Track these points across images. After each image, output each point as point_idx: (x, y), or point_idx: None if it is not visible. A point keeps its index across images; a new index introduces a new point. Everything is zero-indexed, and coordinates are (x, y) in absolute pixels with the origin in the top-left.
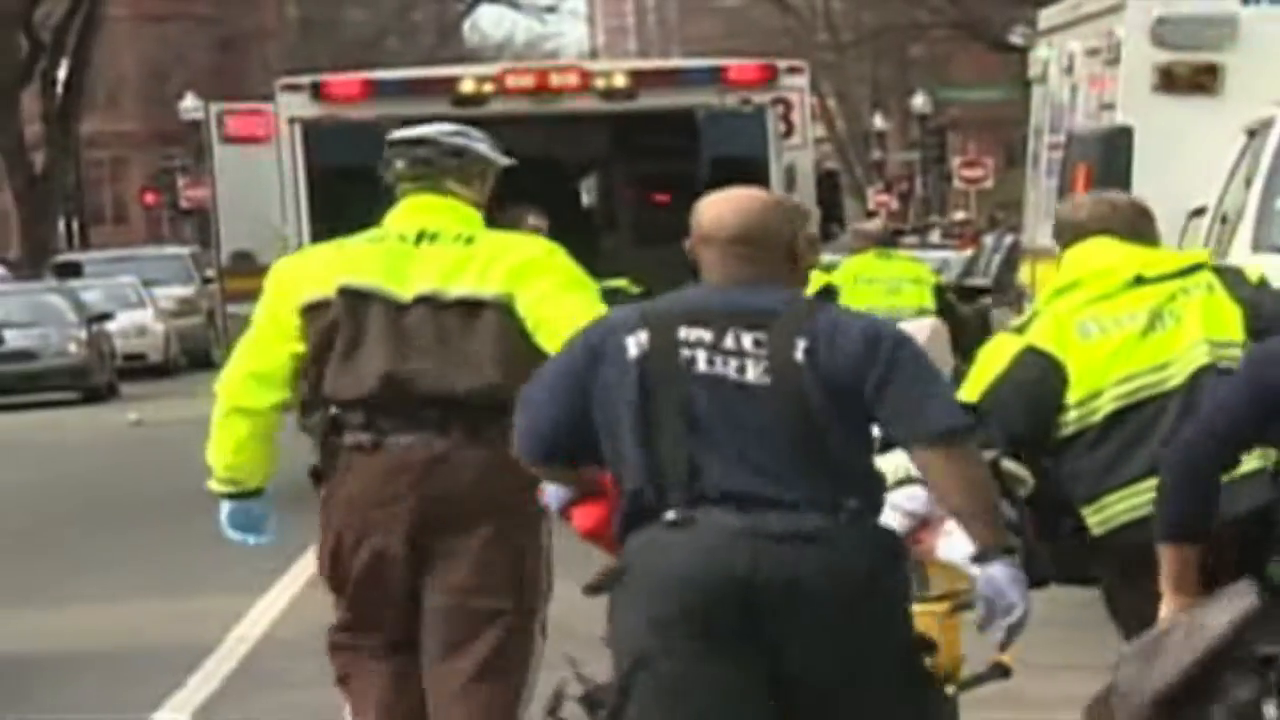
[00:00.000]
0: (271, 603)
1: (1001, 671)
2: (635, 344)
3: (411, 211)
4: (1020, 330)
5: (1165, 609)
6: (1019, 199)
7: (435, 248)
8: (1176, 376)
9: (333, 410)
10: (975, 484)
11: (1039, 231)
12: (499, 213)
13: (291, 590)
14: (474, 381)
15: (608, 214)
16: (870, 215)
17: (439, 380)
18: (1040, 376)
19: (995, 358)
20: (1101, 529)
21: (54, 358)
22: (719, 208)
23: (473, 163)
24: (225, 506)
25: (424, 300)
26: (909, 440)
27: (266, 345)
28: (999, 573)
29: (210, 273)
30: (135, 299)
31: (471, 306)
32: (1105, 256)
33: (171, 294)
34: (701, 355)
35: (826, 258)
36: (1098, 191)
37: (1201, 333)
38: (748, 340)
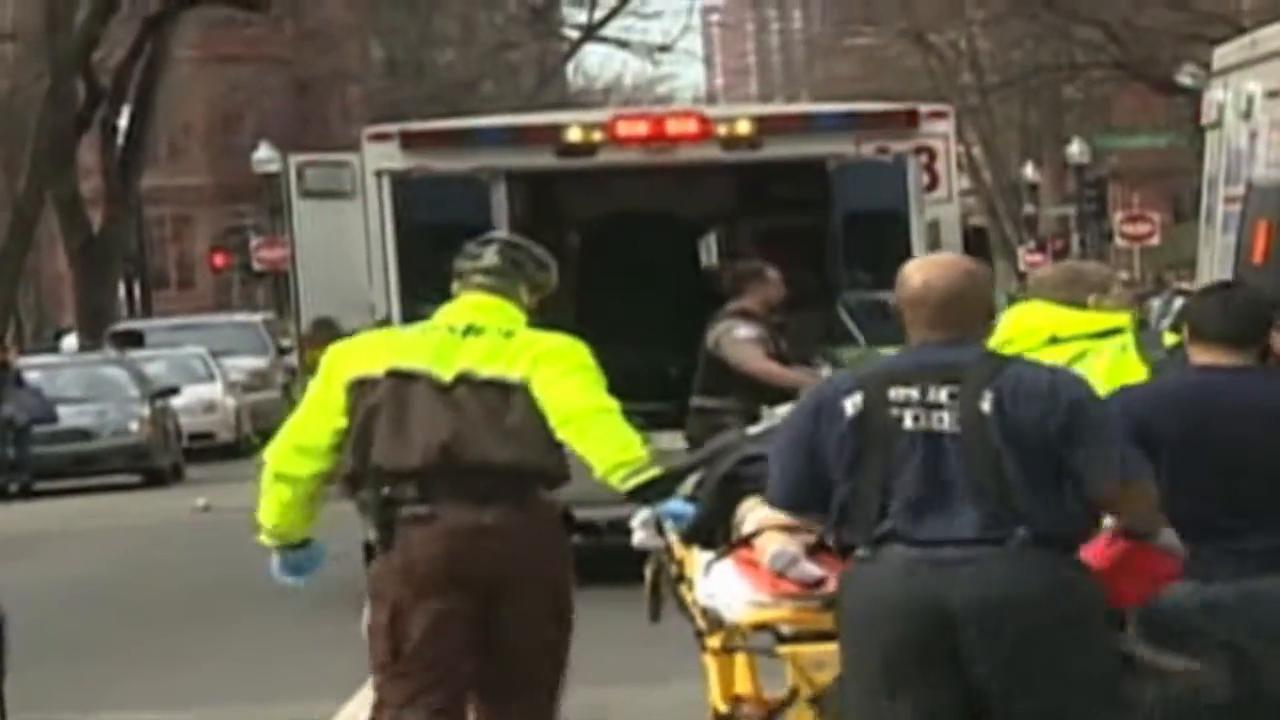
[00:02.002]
0: (359, 709)
1: None
2: (851, 405)
3: (464, 308)
4: None
5: None
6: (1190, 258)
7: (479, 339)
8: None
9: (385, 489)
10: (1141, 516)
11: None
12: (729, 268)
13: None
14: (514, 453)
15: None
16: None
17: (486, 450)
18: None
19: None
20: None
21: (112, 437)
22: (926, 273)
23: (549, 279)
24: (275, 557)
25: (462, 379)
26: (1090, 483)
27: (312, 420)
28: None
29: (286, 342)
30: (203, 371)
31: (503, 388)
32: (1032, 318)
33: (243, 366)
34: (909, 413)
35: None
36: (1066, 261)
37: (1103, 388)
38: (944, 394)
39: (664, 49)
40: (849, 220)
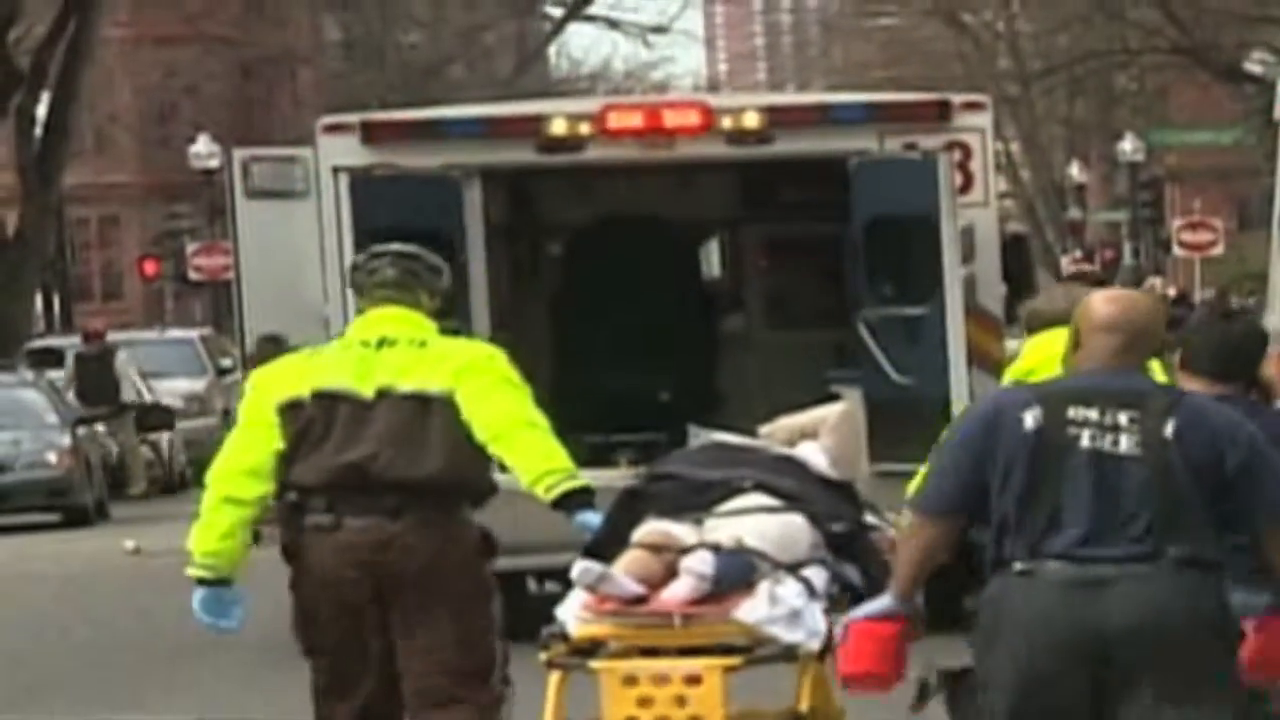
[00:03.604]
0: None
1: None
2: (1032, 418)
3: (374, 322)
4: None
5: None
6: (1258, 271)
7: (394, 351)
8: None
9: (292, 496)
10: None
11: None
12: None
13: None
14: (426, 468)
15: (734, 288)
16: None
17: (394, 467)
18: None
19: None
20: None
21: (27, 470)
22: (1115, 305)
23: (444, 282)
24: (199, 593)
25: (382, 395)
26: (1258, 518)
27: (254, 442)
28: None
29: (227, 362)
30: (131, 396)
31: (423, 401)
32: (1054, 347)
33: (177, 389)
34: (1086, 433)
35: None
36: (1068, 284)
37: None
38: (1123, 417)
39: (659, 30)
40: (871, 226)
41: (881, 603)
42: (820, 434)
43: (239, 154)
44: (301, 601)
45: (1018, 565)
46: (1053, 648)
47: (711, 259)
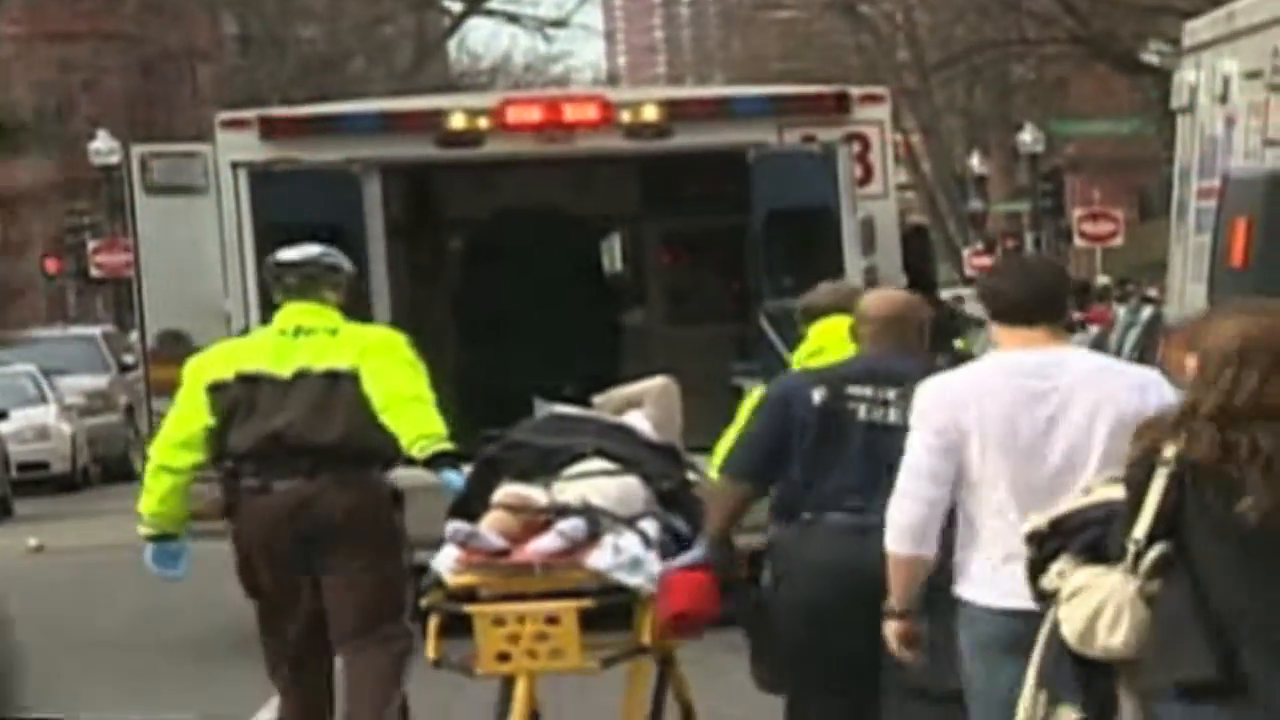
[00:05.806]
0: None
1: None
2: (818, 395)
3: (291, 315)
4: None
5: None
6: (1158, 260)
7: (310, 339)
8: None
9: (229, 463)
10: None
11: (1189, 302)
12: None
13: None
14: (332, 434)
15: (635, 283)
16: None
17: (306, 434)
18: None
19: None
20: None
21: None
22: (878, 300)
23: (343, 276)
24: (149, 548)
25: (300, 375)
26: None
27: (186, 418)
28: None
29: (130, 359)
30: (33, 392)
31: (334, 377)
32: (842, 330)
33: (80, 386)
34: (863, 407)
35: None
36: (831, 282)
37: None
38: (891, 394)
39: (559, 24)
40: (771, 219)
41: (694, 554)
42: (645, 404)
43: (138, 150)
44: (240, 551)
45: (805, 515)
46: (834, 586)
47: (613, 253)
